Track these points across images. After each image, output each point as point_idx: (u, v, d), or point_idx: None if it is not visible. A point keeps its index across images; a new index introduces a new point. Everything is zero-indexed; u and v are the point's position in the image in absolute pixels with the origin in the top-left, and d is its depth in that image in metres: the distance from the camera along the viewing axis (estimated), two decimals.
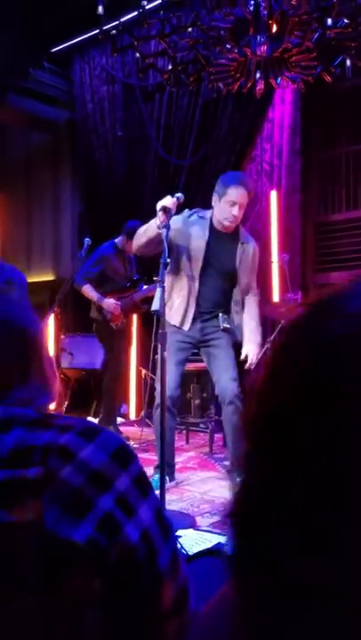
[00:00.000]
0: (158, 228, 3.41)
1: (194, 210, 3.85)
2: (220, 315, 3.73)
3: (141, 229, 3.70)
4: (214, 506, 3.48)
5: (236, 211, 3.63)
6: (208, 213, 3.78)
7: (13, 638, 0.83)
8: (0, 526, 0.82)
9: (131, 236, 5.11)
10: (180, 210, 3.65)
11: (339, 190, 6.03)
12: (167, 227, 3.28)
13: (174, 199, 3.38)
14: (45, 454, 0.85)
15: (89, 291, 5.08)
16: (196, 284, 3.70)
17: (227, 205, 3.63)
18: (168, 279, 3.79)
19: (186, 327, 3.72)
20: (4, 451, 0.87)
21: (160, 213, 3.37)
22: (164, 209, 3.35)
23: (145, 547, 0.86)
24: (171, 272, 3.76)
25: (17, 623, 0.83)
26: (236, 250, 3.77)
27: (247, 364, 3.72)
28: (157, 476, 3.49)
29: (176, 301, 3.74)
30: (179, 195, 3.43)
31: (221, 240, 3.75)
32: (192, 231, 3.72)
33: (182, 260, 3.71)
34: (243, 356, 3.72)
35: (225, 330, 3.73)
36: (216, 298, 3.77)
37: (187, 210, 3.82)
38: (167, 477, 3.59)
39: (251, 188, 3.79)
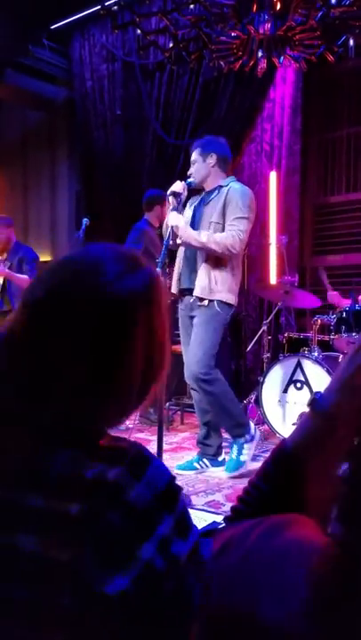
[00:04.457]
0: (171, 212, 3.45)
1: None
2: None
3: None
4: (209, 485, 3.50)
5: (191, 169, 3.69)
6: None
7: None
8: (34, 558, 0.79)
9: (148, 206, 5.10)
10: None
11: (338, 172, 6.00)
12: (175, 210, 3.35)
13: (183, 183, 3.42)
14: (90, 490, 0.79)
15: None
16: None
17: None
18: None
19: (175, 290, 3.76)
20: (50, 474, 0.82)
21: (170, 198, 3.42)
22: (174, 194, 3.40)
23: (177, 591, 0.82)
24: None
25: None
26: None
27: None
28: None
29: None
30: (190, 180, 3.47)
31: (208, 199, 3.68)
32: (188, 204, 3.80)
33: None
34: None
35: (201, 304, 3.57)
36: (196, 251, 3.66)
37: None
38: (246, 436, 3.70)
39: (198, 142, 3.72)
